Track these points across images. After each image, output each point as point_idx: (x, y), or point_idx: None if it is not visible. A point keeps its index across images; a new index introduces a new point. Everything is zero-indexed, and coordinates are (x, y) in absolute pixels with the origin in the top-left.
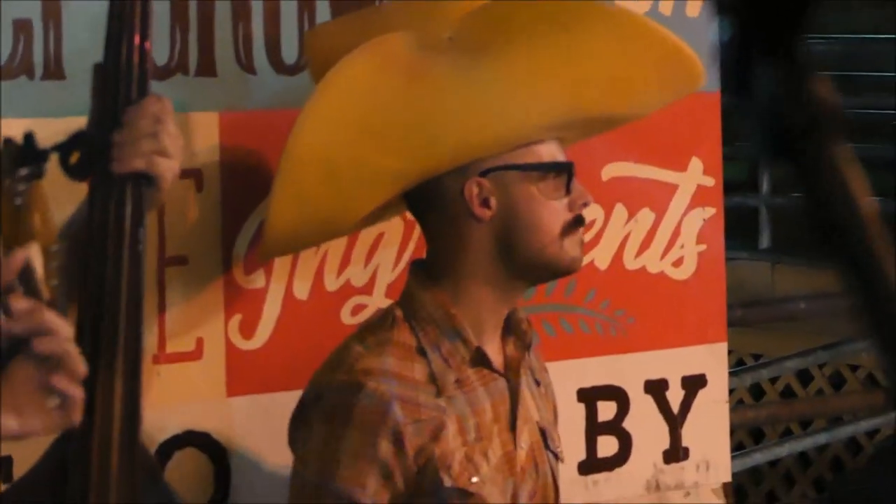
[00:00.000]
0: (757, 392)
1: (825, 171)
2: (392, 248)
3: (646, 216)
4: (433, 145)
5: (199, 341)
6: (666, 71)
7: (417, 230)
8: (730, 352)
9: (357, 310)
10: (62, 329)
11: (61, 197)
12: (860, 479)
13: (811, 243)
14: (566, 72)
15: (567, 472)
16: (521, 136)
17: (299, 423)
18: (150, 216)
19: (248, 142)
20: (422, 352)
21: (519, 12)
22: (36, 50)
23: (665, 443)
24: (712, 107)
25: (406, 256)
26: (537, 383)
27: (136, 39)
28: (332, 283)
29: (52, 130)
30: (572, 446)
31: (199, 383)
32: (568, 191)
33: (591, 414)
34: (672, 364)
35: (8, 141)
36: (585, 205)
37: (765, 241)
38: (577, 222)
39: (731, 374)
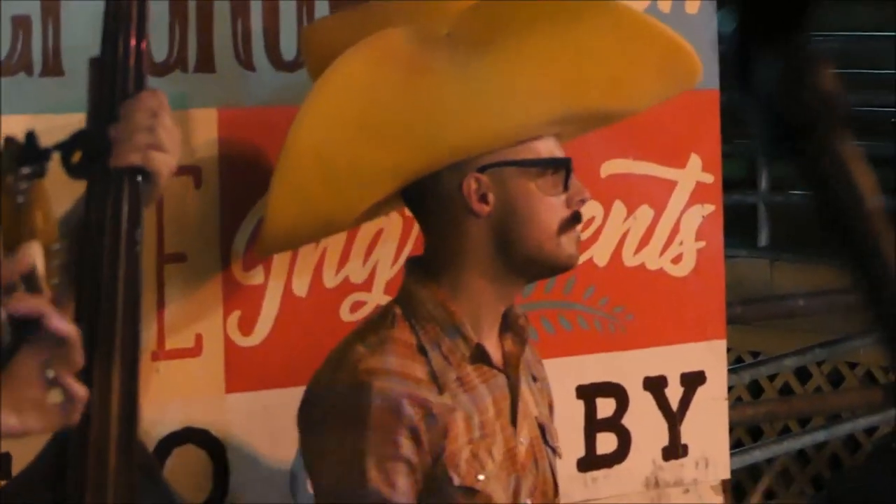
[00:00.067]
0: (755, 390)
1: (829, 164)
2: (391, 245)
3: (645, 213)
4: (432, 141)
5: (198, 338)
6: (664, 67)
7: (416, 227)
8: (728, 349)
9: (356, 306)
10: (59, 317)
11: (62, 195)
12: (858, 476)
13: (814, 239)
14: (564, 68)
15: (566, 468)
16: (520, 132)
17: (309, 432)
18: (148, 213)
19: (247, 138)
20: (422, 350)
21: (516, 9)
22: (35, 46)
23: (664, 440)
24: (711, 104)
25: (405, 253)
26: (534, 379)
27: (133, 38)
28: (330, 280)
29: (51, 127)
30: (571, 443)
31: (198, 380)
32: (566, 187)
33: (590, 411)
34: (671, 361)
35: (9, 140)
36: (583, 201)
37: (763, 238)
38: (575, 219)
39: (729, 371)
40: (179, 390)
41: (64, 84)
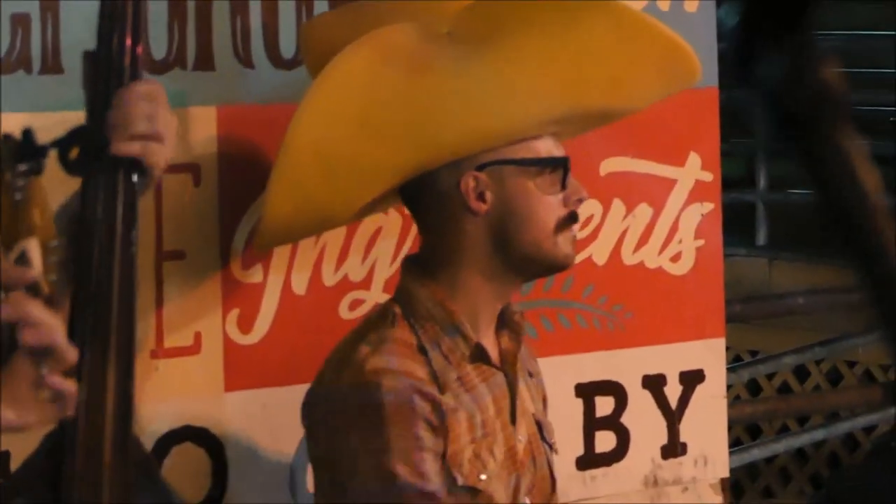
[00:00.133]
0: (754, 388)
1: (832, 160)
2: (390, 243)
3: (644, 211)
4: (431, 139)
5: (197, 336)
6: (663, 66)
7: (415, 225)
8: (727, 348)
9: (355, 304)
10: (48, 321)
11: (59, 192)
12: (857, 475)
13: (813, 237)
14: (564, 67)
15: (565, 467)
16: (519, 131)
17: (324, 436)
18: (147, 211)
19: (246, 136)
20: (422, 350)
21: (516, 7)
22: (34, 44)
23: (663, 438)
24: (710, 102)
25: (404, 251)
26: (530, 375)
27: (128, 37)
28: (329, 278)
29: (50, 124)
30: (570, 441)
31: (196, 378)
32: (563, 186)
33: (589, 409)
34: (670, 359)
35: (7, 137)
36: (580, 201)
37: (762, 237)
38: (571, 218)
39: (728, 370)
40: (178, 388)
41: (63, 82)
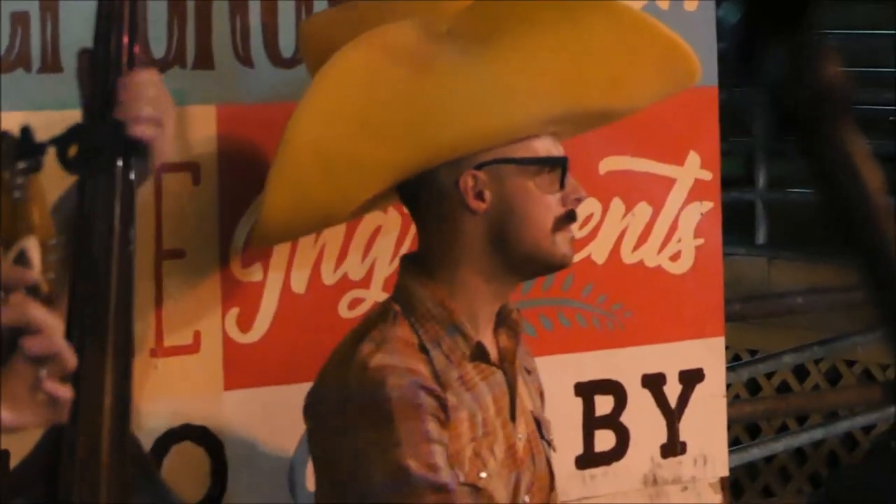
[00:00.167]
0: (753, 387)
1: (835, 158)
2: (389, 242)
3: (643, 210)
4: (431, 138)
5: (197, 335)
6: (663, 66)
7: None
8: (726, 347)
9: (354, 303)
10: (51, 326)
11: (57, 191)
12: (856, 474)
13: (812, 236)
14: (563, 67)
15: (564, 466)
16: (519, 130)
17: (328, 434)
18: (146, 209)
19: (246, 135)
20: (423, 349)
21: (516, 7)
22: (33, 43)
23: (662, 437)
24: (710, 101)
25: (403, 250)
26: (528, 372)
27: (125, 37)
28: (329, 277)
29: (49, 123)
30: (570, 441)
31: (196, 377)
32: (562, 185)
33: (589, 408)
34: (669, 358)
35: (5, 134)
36: (579, 200)
37: (761, 236)
38: (569, 217)
39: (727, 369)
40: (178, 387)
41: (62, 80)
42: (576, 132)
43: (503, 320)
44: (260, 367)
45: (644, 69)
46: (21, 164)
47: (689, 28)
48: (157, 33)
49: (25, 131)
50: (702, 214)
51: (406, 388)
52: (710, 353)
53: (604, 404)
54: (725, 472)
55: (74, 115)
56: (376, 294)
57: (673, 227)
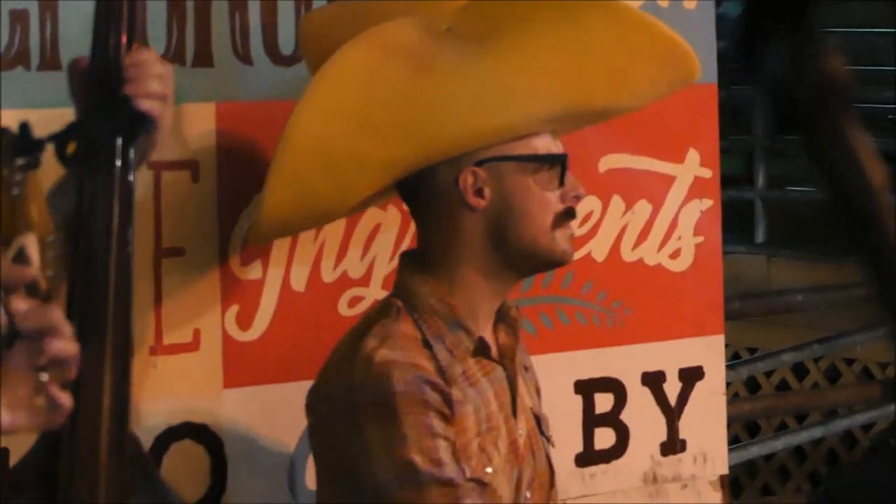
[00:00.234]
0: (753, 385)
1: (838, 153)
2: (389, 240)
3: (643, 208)
4: (431, 136)
5: (196, 333)
6: (663, 65)
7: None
8: (726, 345)
9: (354, 301)
10: (67, 329)
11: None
12: (855, 472)
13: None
14: (563, 65)
15: (564, 464)
16: (519, 129)
17: (332, 431)
18: (145, 207)
19: (245, 132)
20: (426, 344)
21: (516, 6)
22: (32, 41)
23: (662, 435)
24: (709, 98)
25: (403, 247)
26: (525, 369)
27: (123, 37)
28: (328, 275)
29: (48, 120)
30: (569, 439)
31: (196, 375)
32: (561, 183)
33: (589, 406)
34: (669, 356)
35: (4, 131)
36: (578, 197)
37: (760, 234)
38: (569, 214)
39: (727, 367)
40: (177, 385)
41: (61, 78)
42: (574, 128)
43: (502, 317)
44: (260, 365)
45: (644, 68)
46: (19, 161)
47: (689, 26)
48: (157, 31)
49: (24, 128)
50: (701, 212)
51: (411, 383)
52: (709, 351)
53: (603, 402)
54: (725, 470)
55: (73, 113)
56: (376, 292)
57: (673, 225)
